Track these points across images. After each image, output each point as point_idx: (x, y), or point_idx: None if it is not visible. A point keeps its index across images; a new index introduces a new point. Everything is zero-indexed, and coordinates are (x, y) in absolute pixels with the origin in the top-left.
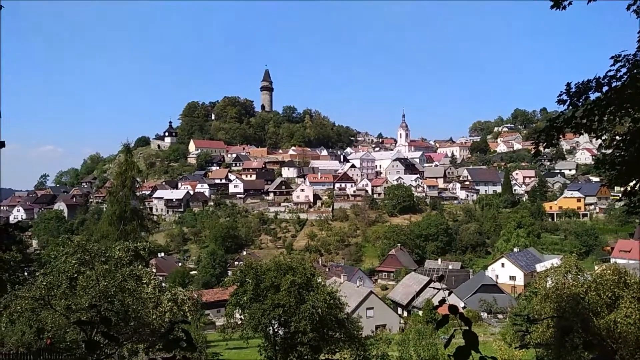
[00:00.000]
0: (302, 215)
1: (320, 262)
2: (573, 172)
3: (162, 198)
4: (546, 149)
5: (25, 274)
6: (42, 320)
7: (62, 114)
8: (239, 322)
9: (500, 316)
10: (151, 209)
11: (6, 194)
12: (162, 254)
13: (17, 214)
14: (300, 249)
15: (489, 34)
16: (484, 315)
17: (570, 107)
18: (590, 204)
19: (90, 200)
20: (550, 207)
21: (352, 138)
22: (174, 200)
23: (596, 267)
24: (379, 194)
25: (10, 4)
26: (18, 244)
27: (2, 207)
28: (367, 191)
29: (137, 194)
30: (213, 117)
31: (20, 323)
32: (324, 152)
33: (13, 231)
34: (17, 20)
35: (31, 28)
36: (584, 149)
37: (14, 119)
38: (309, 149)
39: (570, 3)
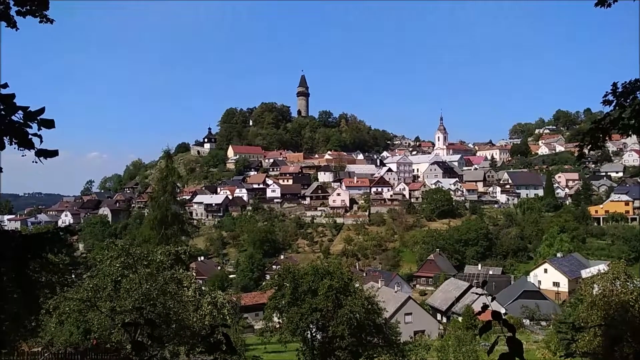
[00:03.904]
0: (339, 220)
1: (357, 267)
2: (620, 174)
3: (201, 203)
4: (591, 151)
5: (73, 276)
6: (89, 321)
7: (106, 121)
8: (277, 325)
9: (543, 323)
10: (191, 213)
11: (54, 199)
12: (202, 258)
13: (65, 219)
14: (337, 253)
15: (530, 35)
16: (526, 322)
17: (617, 108)
18: None
19: (132, 205)
20: (596, 211)
21: (389, 142)
22: (214, 204)
23: None
24: (417, 198)
25: (56, 13)
26: (67, 247)
27: (51, 212)
28: (404, 195)
29: (178, 199)
30: (251, 123)
31: (68, 324)
32: (360, 156)
33: (64, 235)
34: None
35: (83, 39)
36: (632, 150)
37: (64, 126)
38: (345, 153)
39: (615, 0)
